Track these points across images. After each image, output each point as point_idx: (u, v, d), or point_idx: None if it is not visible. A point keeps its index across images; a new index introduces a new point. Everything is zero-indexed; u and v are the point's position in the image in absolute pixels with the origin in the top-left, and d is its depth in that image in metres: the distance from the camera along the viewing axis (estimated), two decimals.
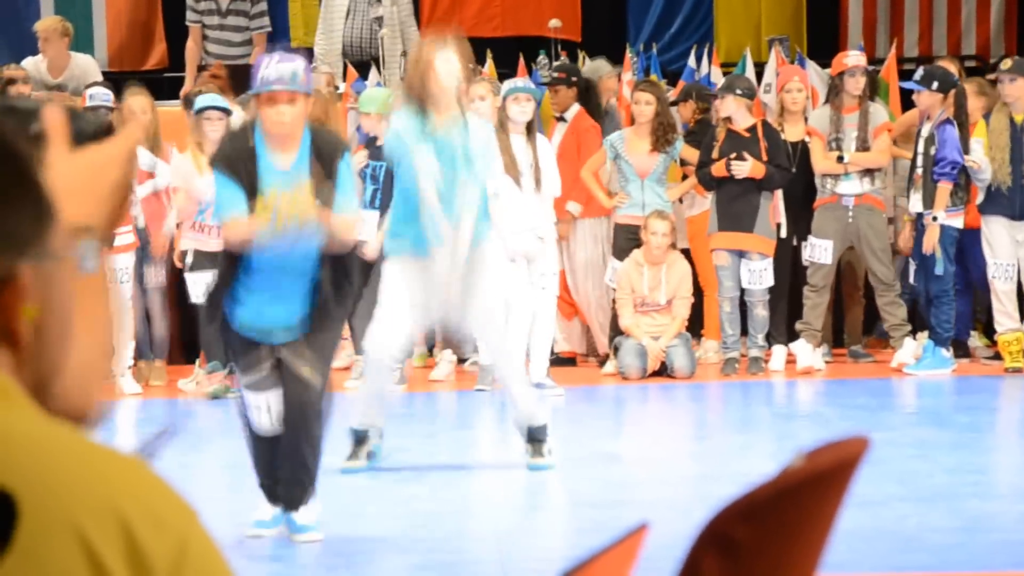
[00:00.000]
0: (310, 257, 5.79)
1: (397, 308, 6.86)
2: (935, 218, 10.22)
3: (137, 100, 10.33)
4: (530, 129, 9.77)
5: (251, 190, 5.86)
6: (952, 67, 10.99)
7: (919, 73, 10.44)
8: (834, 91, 10.60)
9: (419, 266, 6.83)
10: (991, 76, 10.58)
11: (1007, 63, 10.32)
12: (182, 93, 11.47)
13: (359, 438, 7.11)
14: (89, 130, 1.83)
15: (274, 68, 5.89)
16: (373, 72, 12.06)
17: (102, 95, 10.27)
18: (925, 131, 10.33)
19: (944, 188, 10.23)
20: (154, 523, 1.35)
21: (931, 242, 10.24)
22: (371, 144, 10.34)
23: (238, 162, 5.93)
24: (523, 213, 9.54)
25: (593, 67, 11.76)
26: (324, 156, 5.92)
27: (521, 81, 10.36)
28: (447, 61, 6.87)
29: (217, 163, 6.04)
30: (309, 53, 12.52)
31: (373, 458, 7.14)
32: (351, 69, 11.99)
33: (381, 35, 12.19)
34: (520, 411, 7.09)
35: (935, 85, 10.21)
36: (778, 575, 1.73)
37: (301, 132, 5.95)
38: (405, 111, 6.95)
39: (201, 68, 12.47)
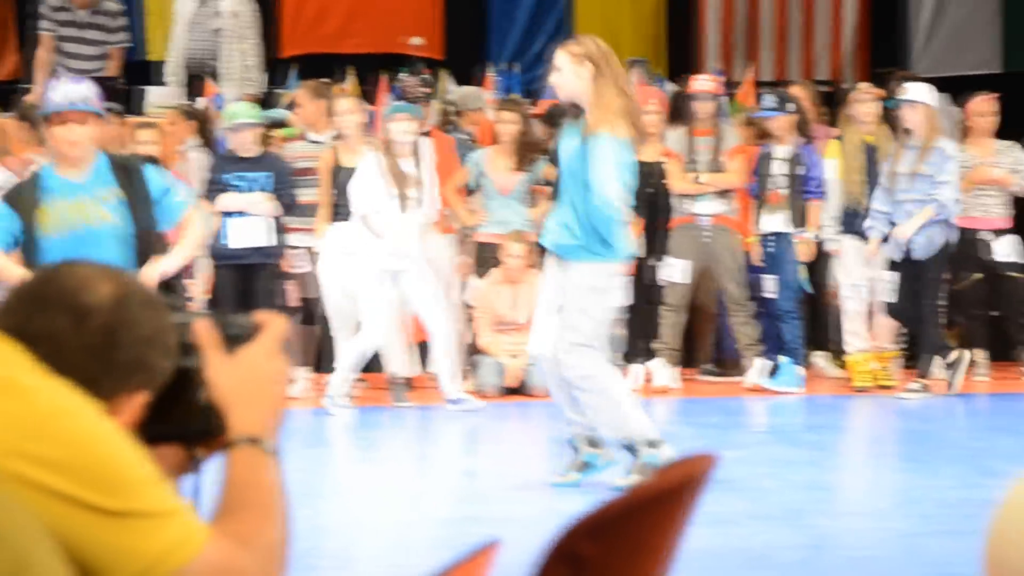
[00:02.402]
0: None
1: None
2: (816, 236, 10.50)
3: None
4: (416, 149, 9.83)
5: (32, 213, 6.16)
6: (806, 91, 11.26)
7: (771, 100, 10.67)
8: (688, 114, 10.79)
9: None
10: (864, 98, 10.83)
11: (864, 86, 10.62)
12: (24, 102, 11.28)
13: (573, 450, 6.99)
14: (240, 333, 1.88)
15: (63, 90, 6.14)
16: (233, 86, 11.96)
17: None
18: (783, 152, 10.55)
19: (815, 206, 10.49)
20: None
21: (809, 255, 10.50)
22: (231, 157, 10.31)
23: (23, 193, 6.23)
24: (403, 231, 9.67)
25: (466, 94, 11.76)
26: (124, 172, 6.16)
27: (404, 104, 10.41)
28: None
29: (4, 196, 6.38)
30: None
31: (588, 470, 6.99)
32: (209, 83, 11.89)
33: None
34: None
35: (791, 107, 10.49)
36: None
37: (93, 153, 6.17)
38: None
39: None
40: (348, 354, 9.84)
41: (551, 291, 6.99)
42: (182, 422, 1.91)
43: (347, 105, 10.34)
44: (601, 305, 6.83)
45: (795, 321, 10.56)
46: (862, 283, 10.60)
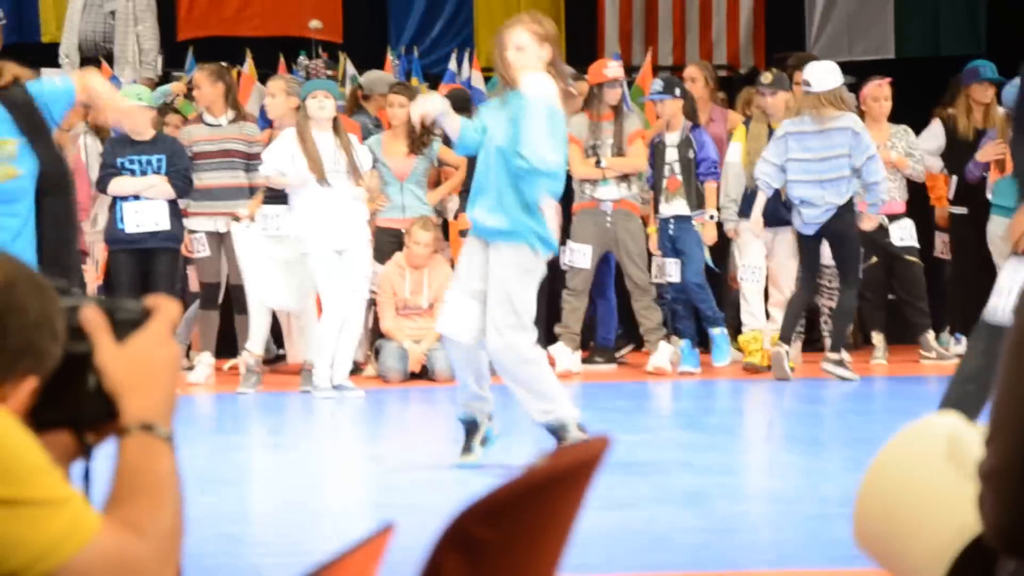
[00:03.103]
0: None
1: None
2: (712, 216, 10.60)
3: None
4: (336, 126, 9.75)
5: None
6: (702, 71, 11.40)
7: (659, 84, 10.78)
8: (593, 99, 10.81)
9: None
10: (753, 88, 10.98)
11: (767, 77, 10.71)
12: None
13: (468, 428, 6.94)
14: (131, 319, 1.83)
15: None
16: (121, 69, 11.84)
17: None
18: (673, 139, 10.65)
19: (711, 188, 10.62)
20: None
21: (713, 238, 10.59)
22: (124, 141, 10.23)
23: None
24: (329, 210, 9.59)
25: (374, 78, 11.71)
26: (20, 111, 5.95)
27: (321, 80, 10.33)
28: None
29: None
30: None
31: (488, 443, 6.96)
32: (105, 66, 11.74)
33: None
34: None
35: (678, 92, 10.62)
36: (519, 573, 1.76)
37: None
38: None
39: None
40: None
41: (471, 275, 6.88)
42: (72, 408, 1.88)
43: (279, 87, 10.24)
44: (530, 286, 6.78)
45: (709, 294, 10.68)
46: (759, 265, 10.70)
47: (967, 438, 2.17)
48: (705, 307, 10.64)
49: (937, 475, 2.22)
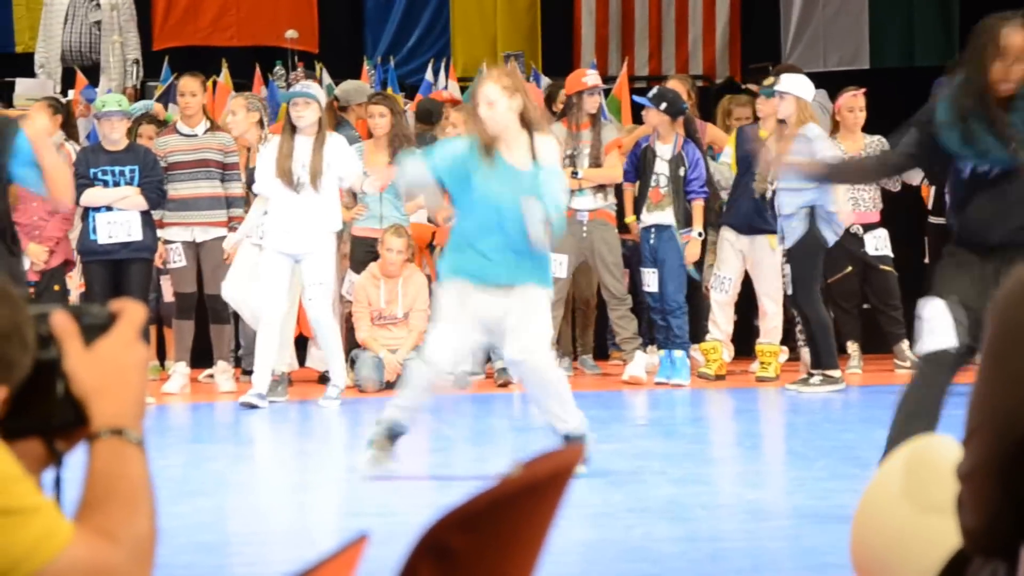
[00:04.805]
0: None
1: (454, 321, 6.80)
2: (700, 233, 10.55)
3: None
4: (320, 131, 9.72)
5: None
6: (683, 85, 11.33)
7: (653, 91, 10.77)
8: (571, 109, 10.78)
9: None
10: (755, 88, 10.95)
11: (770, 81, 10.71)
12: None
13: (393, 434, 6.97)
14: (97, 323, 1.82)
15: None
16: (104, 79, 11.82)
17: None
18: (664, 151, 10.60)
19: (699, 206, 10.55)
20: None
21: (694, 256, 10.53)
22: (96, 151, 10.22)
23: None
24: (292, 215, 9.58)
25: (351, 88, 11.69)
26: None
27: (300, 86, 10.34)
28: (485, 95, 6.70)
29: None
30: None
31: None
32: (80, 76, 11.73)
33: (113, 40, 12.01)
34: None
35: (663, 106, 10.53)
36: None
37: None
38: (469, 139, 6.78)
39: None
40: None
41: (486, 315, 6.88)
42: (42, 415, 1.87)
43: (240, 104, 10.26)
44: None
45: (683, 313, 10.63)
46: (730, 276, 10.67)
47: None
48: (675, 325, 10.60)
49: (929, 502, 2.23)
